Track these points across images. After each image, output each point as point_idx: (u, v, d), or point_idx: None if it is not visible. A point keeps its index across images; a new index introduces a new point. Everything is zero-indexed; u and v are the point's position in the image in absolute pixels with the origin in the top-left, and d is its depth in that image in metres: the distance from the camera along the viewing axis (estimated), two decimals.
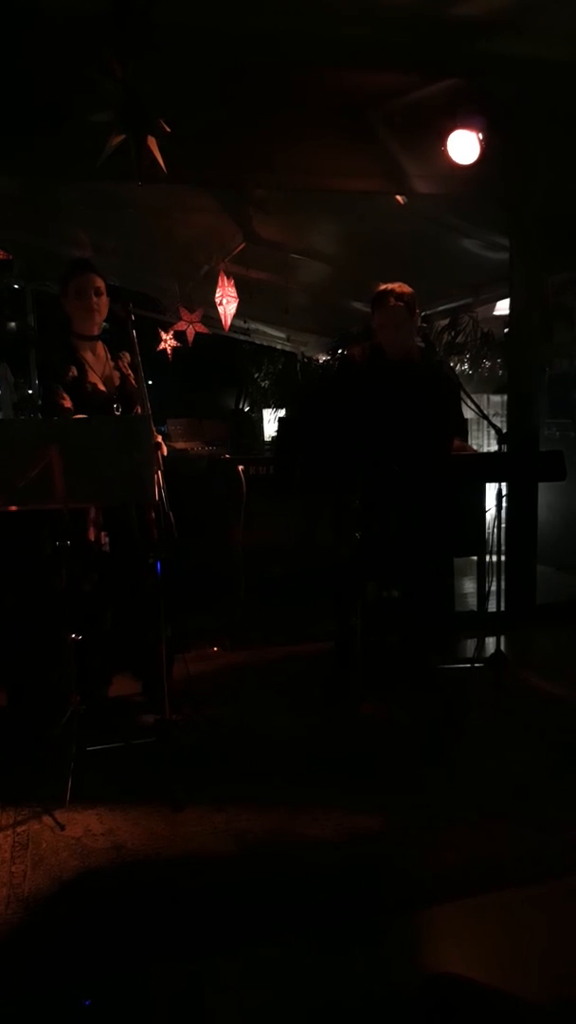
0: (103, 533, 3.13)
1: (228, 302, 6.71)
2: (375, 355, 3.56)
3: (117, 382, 3.26)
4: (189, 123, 3.62)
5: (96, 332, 3.24)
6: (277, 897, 2.29)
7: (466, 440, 3.73)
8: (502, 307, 6.52)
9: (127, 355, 3.27)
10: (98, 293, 3.19)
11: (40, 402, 3.50)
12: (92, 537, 3.09)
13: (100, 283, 3.20)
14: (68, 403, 3.12)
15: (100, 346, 3.29)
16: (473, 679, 3.84)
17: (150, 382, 3.70)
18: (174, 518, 3.09)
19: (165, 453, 3.16)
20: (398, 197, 4.69)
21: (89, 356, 3.23)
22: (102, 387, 3.21)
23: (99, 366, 3.25)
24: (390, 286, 3.45)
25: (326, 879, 2.37)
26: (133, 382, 3.24)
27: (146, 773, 2.98)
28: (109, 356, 3.29)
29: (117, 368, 3.28)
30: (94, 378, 3.20)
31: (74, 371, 3.16)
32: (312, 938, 2.14)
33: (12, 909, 2.25)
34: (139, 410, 3.20)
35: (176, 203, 5.50)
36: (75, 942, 2.13)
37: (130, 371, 3.27)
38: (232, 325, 7.25)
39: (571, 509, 5.80)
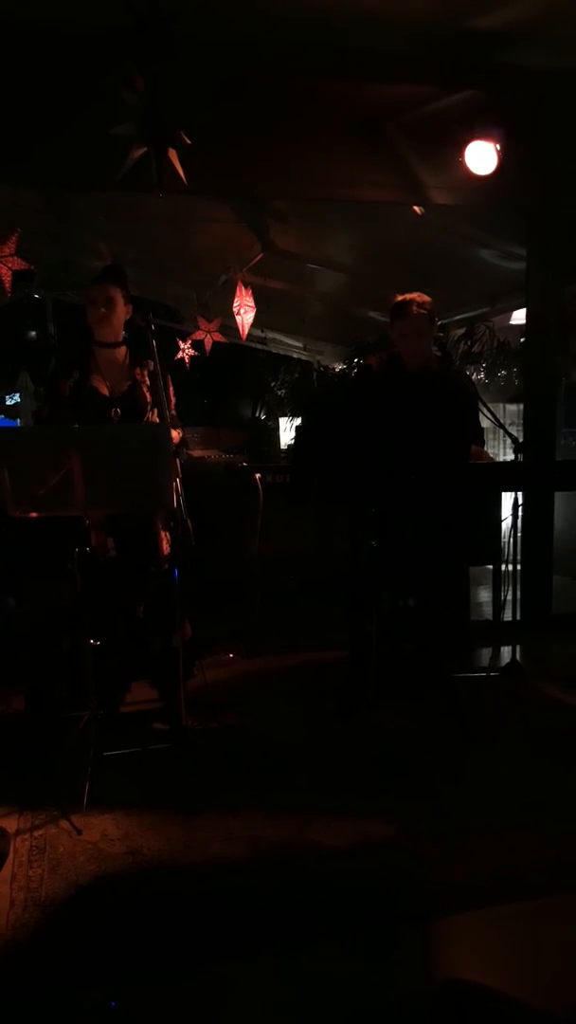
0: (109, 539, 3.14)
1: (245, 311, 6.74)
2: (393, 365, 3.57)
3: (125, 388, 3.28)
4: (209, 135, 3.66)
5: (112, 340, 3.27)
6: (291, 904, 2.30)
7: (483, 446, 3.73)
8: (518, 317, 6.52)
9: (151, 363, 3.29)
10: (108, 303, 3.19)
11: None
12: (95, 541, 3.10)
13: (114, 294, 3.20)
14: (43, 415, 3.24)
15: (121, 352, 3.30)
16: (488, 688, 3.83)
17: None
18: (191, 525, 3.11)
19: (179, 438, 3.23)
20: (415, 208, 4.71)
21: (104, 362, 3.26)
22: (105, 391, 3.22)
23: (113, 372, 3.27)
24: (410, 296, 3.46)
25: (340, 887, 2.38)
26: (145, 390, 3.26)
27: (162, 779, 3.00)
28: (129, 363, 3.32)
29: (132, 375, 3.30)
30: (97, 383, 3.22)
31: (75, 374, 3.21)
32: (326, 946, 2.14)
33: (29, 912, 2.27)
34: (155, 417, 3.22)
35: (195, 214, 5.54)
36: (91, 946, 2.14)
37: (143, 379, 3.29)
38: (249, 334, 7.29)
39: None
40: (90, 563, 3.03)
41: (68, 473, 2.67)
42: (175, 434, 3.31)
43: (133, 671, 3.44)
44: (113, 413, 3.18)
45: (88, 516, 3.03)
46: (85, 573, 2.97)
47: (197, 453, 7.40)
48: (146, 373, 3.28)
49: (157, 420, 3.17)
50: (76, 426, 3.07)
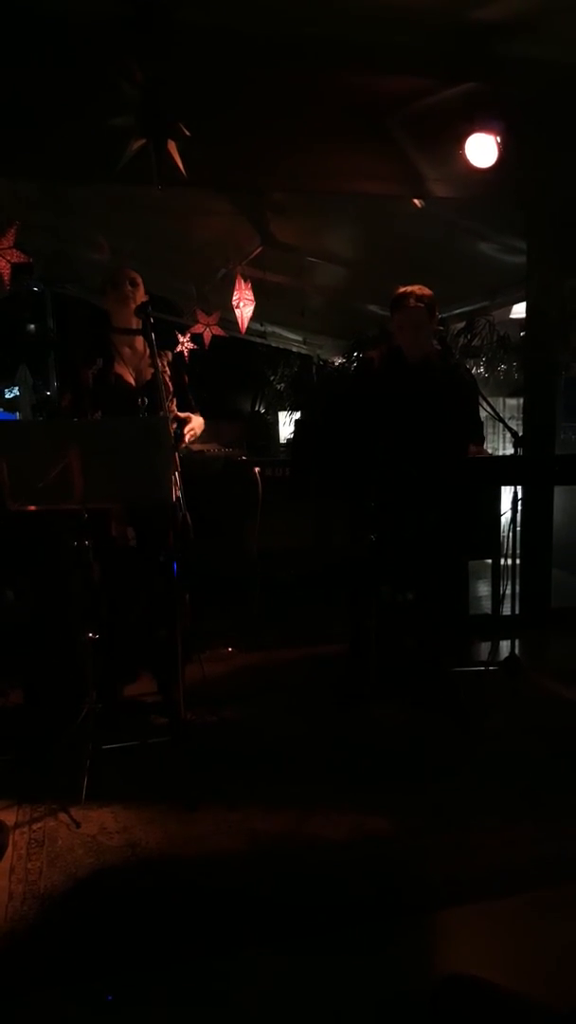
0: (129, 529, 3.15)
1: (245, 305, 6.72)
2: (393, 358, 3.57)
3: (149, 376, 3.29)
4: (208, 126, 3.64)
5: (134, 325, 3.28)
6: (290, 898, 2.30)
7: (482, 443, 3.73)
8: (518, 310, 6.50)
9: (169, 353, 3.34)
10: (133, 284, 3.29)
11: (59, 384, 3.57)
12: (115, 533, 3.11)
13: (135, 275, 3.33)
14: (66, 404, 3.21)
15: (139, 341, 3.32)
16: (487, 682, 3.83)
17: None
18: (190, 519, 3.11)
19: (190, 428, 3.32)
20: (415, 200, 4.69)
21: (126, 350, 3.29)
22: (130, 380, 3.25)
23: (134, 360, 3.30)
24: (410, 288, 3.46)
25: (339, 880, 2.38)
26: (169, 379, 3.28)
27: (161, 772, 3.00)
28: (148, 352, 3.32)
29: (153, 364, 3.31)
30: (121, 370, 3.24)
31: (99, 362, 3.22)
32: (325, 939, 2.14)
33: (28, 905, 2.27)
34: (173, 406, 3.24)
35: (194, 206, 5.52)
36: (89, 939, 2.15)
37: (168, 369, 3.31)
38: (249, 328, 7.27)
39: None
40: (109, 553, 3.04)
41: (67, 466, 2.66)
42: (201, 420, 3.43)
43: (134, 663, 3.44)
44: (140, 402, 3.20)
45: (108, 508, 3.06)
46: (104, 562, 2.98)
47: (196, 446, 7.38)
48: (166, 362, 3.30)
49: (175, 409, 3.19)
50: (99, 414, 3.12)
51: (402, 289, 3.47)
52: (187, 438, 3.35)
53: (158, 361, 3.31)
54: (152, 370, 3.28)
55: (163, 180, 3.58)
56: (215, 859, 2.49)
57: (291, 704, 3.68)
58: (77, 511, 2.86)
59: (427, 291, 3.45)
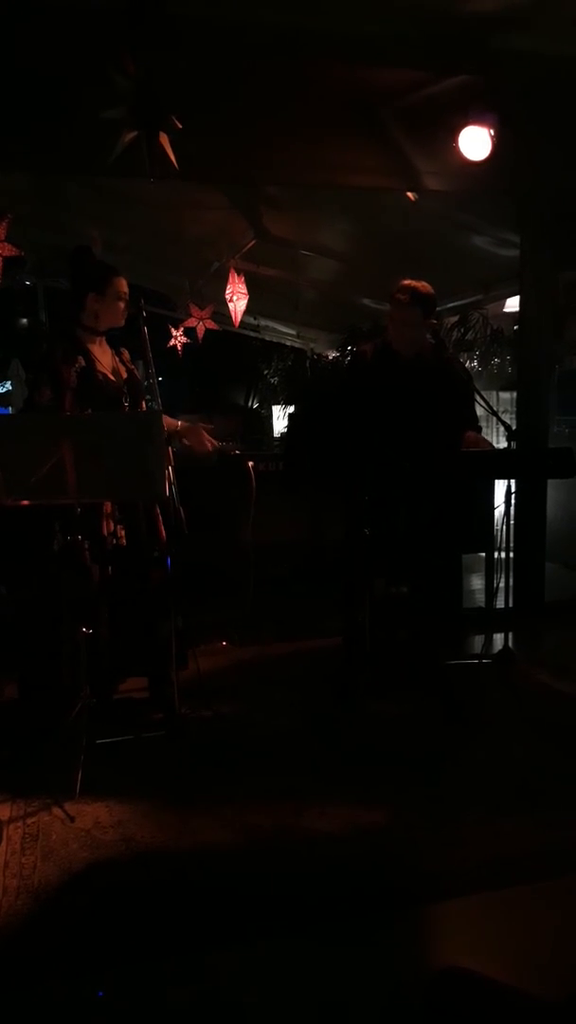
0: (120, 527, 3.14)
1: (238, 299, 6.72)
2: (387, 352, 3.56)
3: (124, 375, 3.29)
4: (201, 119, 3.63)
5: (104, 328, 3.27)
6: (285, 891, 2.30)
7: (479, 432, 3.72)
8: (512, 304, 6.51)
9: (125, 351, 3.32)
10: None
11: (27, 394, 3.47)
12: (106, 531, 3.10)
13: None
14: (45, 399, 3.10)
15: (103, 340, 3.31)
16: (481, 676, 3.84)
17: (160, 378, 3.75)
18: (184, 513, 3.11)
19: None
20: (409, 194, 4.68)
21: (96, 349, 3.26)
22: (113, 378, 3.24)
23: (106, 359, 3.28)
24: (408, 283, 3.42)
25: (334, 873, 2.38)
26: (138, 376, 3.28)
27: (156, 766, 3.00)
28: (113, 351, 3.32)
29: (122, 362, 3.32)
30: (103, 369, 3.22)
31: (81, 361, 3.16)
32: (320, 932, 2.15)
33: (22, 900, 2.27)
34: (143, 405, 3.24)
35: (187, 200, 5.50)
36: (84, 934, 2.14)
37: (131, 365, 3.32)
38: (242, 322, 7.27)
39: None
40: (100, 550, 3.03)
41: (59, 461, 2.65)
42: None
43: (129, 660, 3.44)
44: (125, 400, 3.20)
45: (99, 505, 3.04)
46: (96, 560, 2.98)
47: (188, 441, 7.39)
48: (127, 360, 3.31)
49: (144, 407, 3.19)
50: (90, 411, 3.06)
51: (406, 283, 3.43)
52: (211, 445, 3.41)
53: (122, 358, 3.31)
54: (125, 368, 3.29)
55: (155, 173, 3.56)
56: (210, 853, 2.49)
57: (285, 698, 3.69)
58: (70, 506, 2.85)
59: (425, 289, 3.41)
